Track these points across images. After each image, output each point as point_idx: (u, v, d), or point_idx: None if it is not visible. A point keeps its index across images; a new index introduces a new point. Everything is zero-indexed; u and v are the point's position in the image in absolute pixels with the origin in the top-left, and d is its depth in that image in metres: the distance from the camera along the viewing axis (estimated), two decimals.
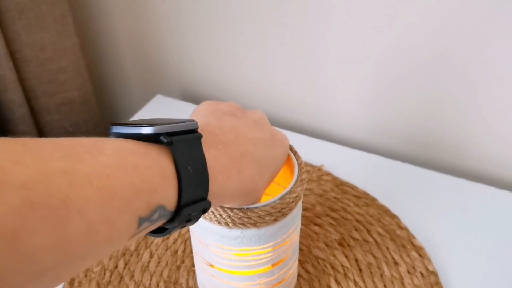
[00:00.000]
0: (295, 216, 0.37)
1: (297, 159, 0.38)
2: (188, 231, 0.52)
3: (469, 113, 0.58)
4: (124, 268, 0.49)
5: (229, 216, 0.34)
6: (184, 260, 0.49)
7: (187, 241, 0.51)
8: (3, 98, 0.64)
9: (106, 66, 0.80)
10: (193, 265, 0.49)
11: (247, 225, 0.34)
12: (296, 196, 0.35)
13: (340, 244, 0.51)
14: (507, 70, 0.53)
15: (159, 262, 0.49)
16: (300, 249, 0.50)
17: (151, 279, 0.47)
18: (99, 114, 0.79)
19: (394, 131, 0.64)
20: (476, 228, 0.53)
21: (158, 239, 0.52)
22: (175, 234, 0.52)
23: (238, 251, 0.36)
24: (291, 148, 0.39)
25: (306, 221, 0.53)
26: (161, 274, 0.48)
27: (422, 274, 0.47)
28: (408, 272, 0.48)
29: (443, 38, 0.54)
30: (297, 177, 0.36)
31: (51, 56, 0.68)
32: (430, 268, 0.48)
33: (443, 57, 0.55)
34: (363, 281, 0.47)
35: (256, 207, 0.34)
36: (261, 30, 0.64)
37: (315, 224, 0.53)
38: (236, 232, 0.35)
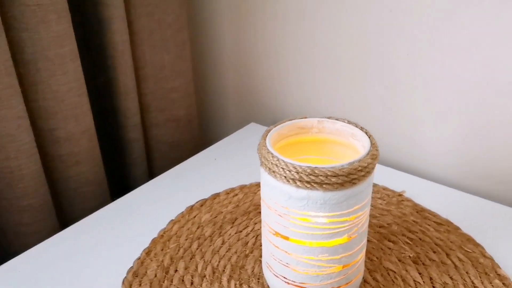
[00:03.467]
0: (364, 192, 0.37)
1: (369, 137, 0.39)
2: (260, 228, 0.54)
3: None
4: (197, 249, 0.51)
5: (297, 172, 0.35)
6: (253, 251, 0.50)
7: (258, 236, 0.53)
8: (122, 105, 0.74)
9: (210, 90, 0.89)
10: (260, 256, 0.49)
11: (314, 184, 0.35)
12: (365, 167, 0.36)
13: (415, 262, 0.48)
14: None
15: (229, 249, 0.51)
16: (370, 259, 0.49)
17: (219, 261, 0.49)
18: (201, 133, 0.86)
19: (482, 172, 0.61)
20: None
21: (231, 230, 0.54)
22: (248, 228, 0.54)
23: (303, 215, 0.37)
24: (362, 128, 0.40)
25: (380, 237, 0.52)
26: (229, 259, 0.50)
27: None
28: None
29: None
30: (369, 151, 0.37)
31: (168, 75, 0.77)
32: None
33: None
34: None
35: (323, 167, 0.35)
36: (355, 63, 0.67)
37: (389, 241, 0.51)
38: (303, 192, 0.36)
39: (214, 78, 0.87)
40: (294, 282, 0.41)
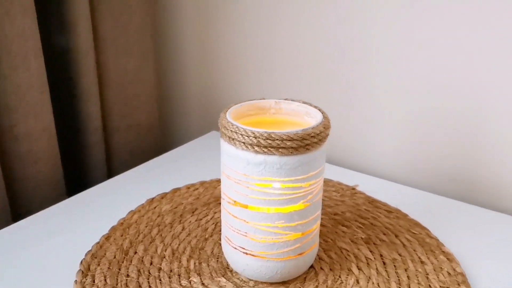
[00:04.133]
0: (317, 160, 0.40)
1: (322, 113, 0.42)
2: (220, 216, 0.55)
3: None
4: (157, 234, 0.52)
5: (255, 137, 0.38)
6: (213, 235, 0.52)
7: (218, 223, 0.54)
8: (84, 108, 0.75)
9: (172, 98, 0.90)
10: (220, 239, 0.51)
11: (270, 149, 0.38)
12: (318, 134, 0.39)
13: (366, 242, 0.51)
14: None
15: (189, 234, 0.52)
16: (325, 241, 0.51)
17: (179, 245, 0.50)
18: (162, 140, 0.87)
19: (433, 169, 0.66)
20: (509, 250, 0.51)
21: (191, 218, 0.55)
22: (208, 217, 0.55)
23: (261, 180, 0.39)
24: (315, 107, 0.43)
25: (334, 223, 0.54)
26: (189, 242, 0.50)
27: (449, 273, 0.46)
28: (434, 270, 0.46)
29: (492, 81, 0.58)
30: (321, 121, 0.40)
31: (131, 81, 0.79)
32: (458, 270, 0.46)
33: (487, 99, 0.59)
34: (386, 271, 0.46)
35: (279, 132, 0.38)
36: (317, 73, 0.72)
37: (343, 225, 0.54)
38: (260, 157, 0.38)
39: (176, 86, 0.89)
40: (252, 252, 0.42)
